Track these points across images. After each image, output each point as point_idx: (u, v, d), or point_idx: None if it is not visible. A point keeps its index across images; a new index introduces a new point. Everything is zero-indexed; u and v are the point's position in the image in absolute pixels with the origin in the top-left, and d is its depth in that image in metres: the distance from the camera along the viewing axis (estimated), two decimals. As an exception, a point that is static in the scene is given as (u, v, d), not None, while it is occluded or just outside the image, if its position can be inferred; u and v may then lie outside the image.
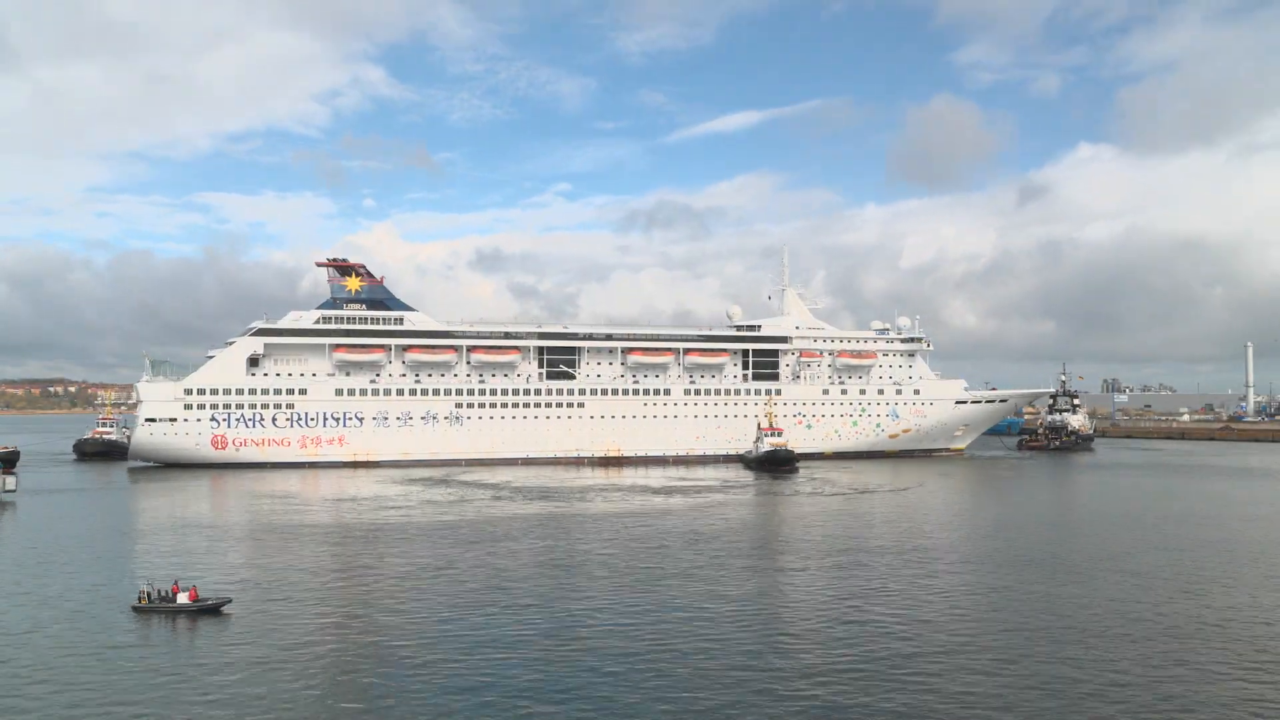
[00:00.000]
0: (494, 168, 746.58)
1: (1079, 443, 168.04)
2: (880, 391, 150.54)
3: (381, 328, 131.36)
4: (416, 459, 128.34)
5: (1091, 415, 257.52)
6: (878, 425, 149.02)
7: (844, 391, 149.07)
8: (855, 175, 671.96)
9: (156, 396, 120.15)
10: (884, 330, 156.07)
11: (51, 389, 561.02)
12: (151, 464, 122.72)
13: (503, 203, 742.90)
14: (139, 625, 39.29)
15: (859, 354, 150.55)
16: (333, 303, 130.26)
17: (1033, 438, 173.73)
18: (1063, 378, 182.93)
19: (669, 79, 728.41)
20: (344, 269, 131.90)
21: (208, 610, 40.88)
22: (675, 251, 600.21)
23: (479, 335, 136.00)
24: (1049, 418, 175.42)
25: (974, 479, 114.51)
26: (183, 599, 41.14)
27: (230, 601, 42.07)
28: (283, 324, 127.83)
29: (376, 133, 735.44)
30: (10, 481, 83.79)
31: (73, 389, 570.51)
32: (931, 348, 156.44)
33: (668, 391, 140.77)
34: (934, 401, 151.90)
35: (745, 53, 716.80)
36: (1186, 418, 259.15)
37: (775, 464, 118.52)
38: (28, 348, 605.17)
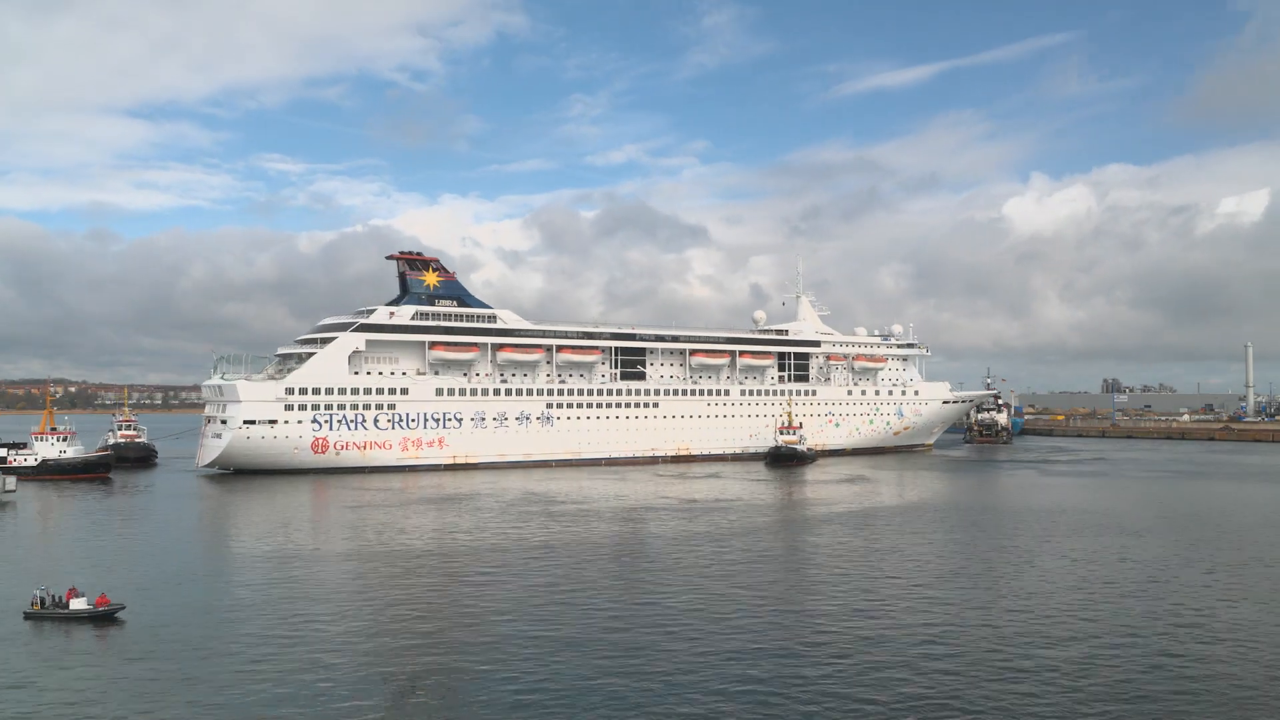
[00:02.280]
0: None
1: (999, 434, 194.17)
2: (890, 392, 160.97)
3: (477, 325, 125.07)
4: (511, 460, 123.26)
5: (1089, 416, 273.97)
6: (887, 423, 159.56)
7: (863, 392, 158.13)
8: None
9: (256, 396, 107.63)
10: (886, 337, 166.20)
11: (52, 389, 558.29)
12: (226, 470, 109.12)
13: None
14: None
15: (873, 358, 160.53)
16: (417, 298, 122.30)
17: (970, 432, 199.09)
18: (988, 380, 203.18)
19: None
20: (418, 263, 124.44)
21: (102, 617, 38.69)
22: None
23: (565, 335, 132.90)
24: (979, 416, 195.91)
25: (978, 469, 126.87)
26: (78, 604, 39.06)
27: (124, 608, 39.58)
28: (377, 319, 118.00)
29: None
30: (10, 481, 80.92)
31: (73, 389, 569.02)
32: (929, 353, 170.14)
33: (726, 392, 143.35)
34: (928, 401, 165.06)
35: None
36: (1186, 418, 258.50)
37: (780, 460, 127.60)
38: (21, 344, 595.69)
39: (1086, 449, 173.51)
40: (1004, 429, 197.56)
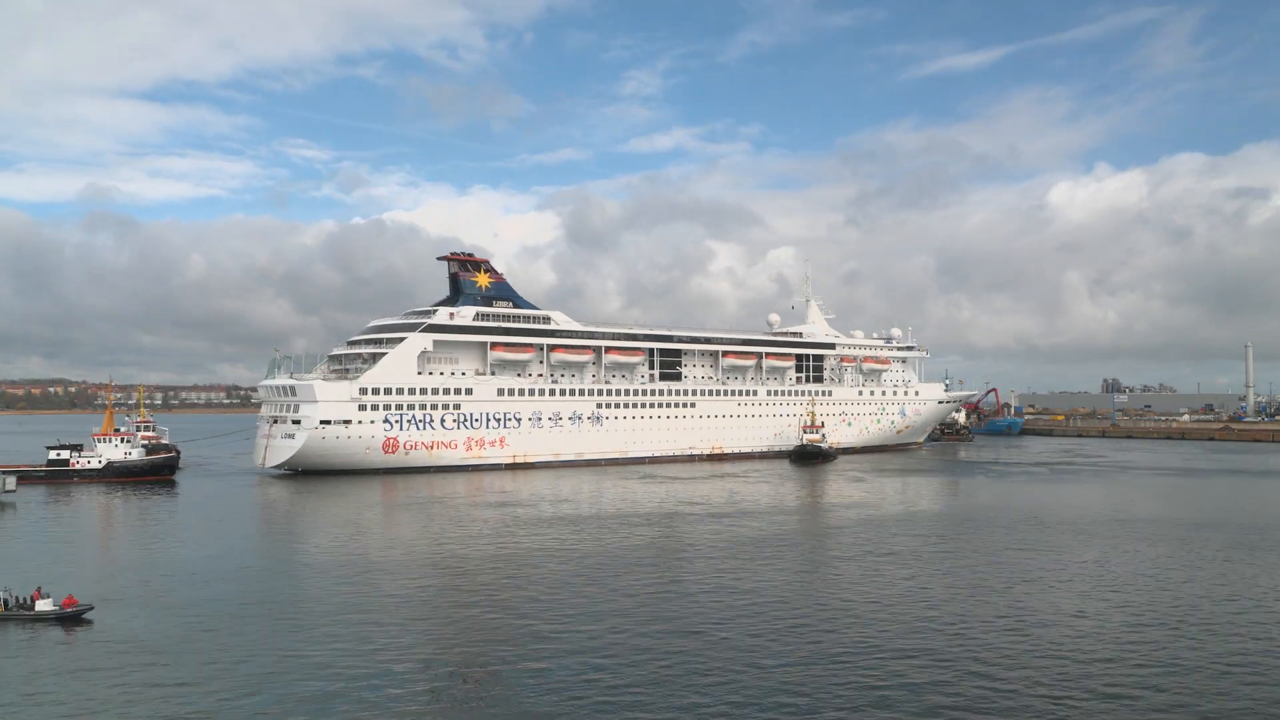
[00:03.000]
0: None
1: (960, 433, 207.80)
2: (894, 393, 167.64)
3: (534, 327, 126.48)
4: (565, 459, 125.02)
5: (1089, 416, 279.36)
6: (891, 422, 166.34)
7: (871, 393, 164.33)
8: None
9: (332, 396, 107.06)
10: (889, 340, 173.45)
11: (52, 389, 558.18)
12: (294, 471, 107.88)
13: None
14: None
15: (879, 360, 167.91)
16: (472, 299, 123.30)
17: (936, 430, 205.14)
18: (947, 381, 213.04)
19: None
20: (470, 264, 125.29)
21: (70, 618, 38.23)
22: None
23: (612, 336, 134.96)
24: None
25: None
26: (44, 605, 38.57)
27: (93, 609, 39.08)
28: (438, 319, 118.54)
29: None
30: (10, 482, 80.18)
31: (73, 389, 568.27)
32: (927, 355, 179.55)
33: (754, 393, 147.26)
34: (926, 401, 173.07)
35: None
36: (1186, 418, 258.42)
37: (806, 457, 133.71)
38: (18, 342, 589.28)
39: (1069, 447, 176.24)
40: (964, 428, 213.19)
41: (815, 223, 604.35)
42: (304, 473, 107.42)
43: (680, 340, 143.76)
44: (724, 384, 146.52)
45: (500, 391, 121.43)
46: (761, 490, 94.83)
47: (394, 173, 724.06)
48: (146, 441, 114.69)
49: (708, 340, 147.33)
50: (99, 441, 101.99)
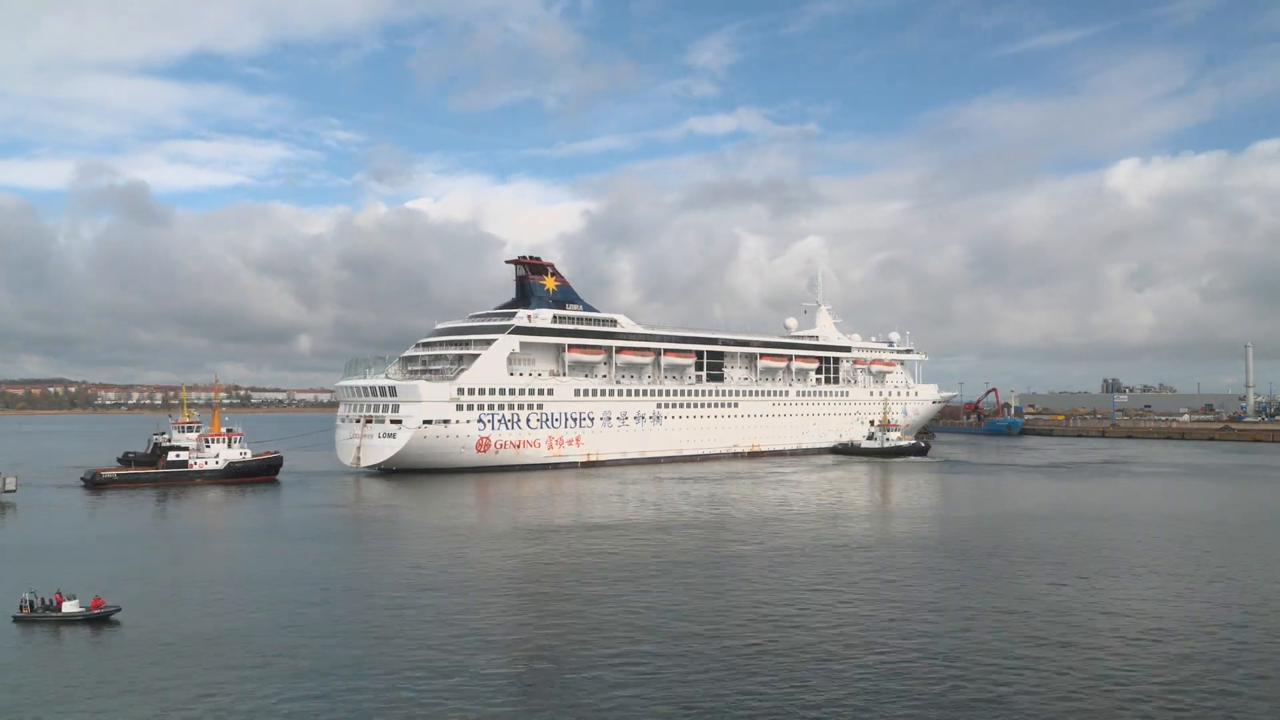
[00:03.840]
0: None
1: (926, 432, 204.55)
2: (897, 393, 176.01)
3: (604, 329, 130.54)
4: (630, 457, 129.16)
5: (1089, 416, 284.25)
6: (895, 421, 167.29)
7: (879, 394, 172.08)
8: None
9: (435, 396, 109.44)
10: (890, 343, 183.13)
11: (52, 389, 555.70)
12: (390, 469, 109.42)
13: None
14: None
15: (885, 362, 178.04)
16: (543, 302, 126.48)
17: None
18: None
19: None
20: (537, 267, 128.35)
21: (97, 619, 38.36)
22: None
23: (670, 339, 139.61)
24: None
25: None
26: (70, 608, 38.68)
27: (120, 610, 39.00)
28: (519, 321, 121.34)
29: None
30: (10, 482, 79.84)
31: (72, 389, 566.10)
32: (925, 357, 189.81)
33: (785, 393, 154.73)
34: (923, 401, 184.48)
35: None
36: (1186, 418, 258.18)
37: (902, 454, 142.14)
38: (13, 339, 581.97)
39: (1053, 447, 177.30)
40: (927, 429, 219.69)
41: (865, 211, 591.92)
42: (397, 472, 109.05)
43: (723, 343, 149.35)
44: (760, 385, 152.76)
45: (576, 392, 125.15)
46: (903, 489, 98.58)
47: (429, 158, 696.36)
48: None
49: (746, 343, 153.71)
50: (209, 443, 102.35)
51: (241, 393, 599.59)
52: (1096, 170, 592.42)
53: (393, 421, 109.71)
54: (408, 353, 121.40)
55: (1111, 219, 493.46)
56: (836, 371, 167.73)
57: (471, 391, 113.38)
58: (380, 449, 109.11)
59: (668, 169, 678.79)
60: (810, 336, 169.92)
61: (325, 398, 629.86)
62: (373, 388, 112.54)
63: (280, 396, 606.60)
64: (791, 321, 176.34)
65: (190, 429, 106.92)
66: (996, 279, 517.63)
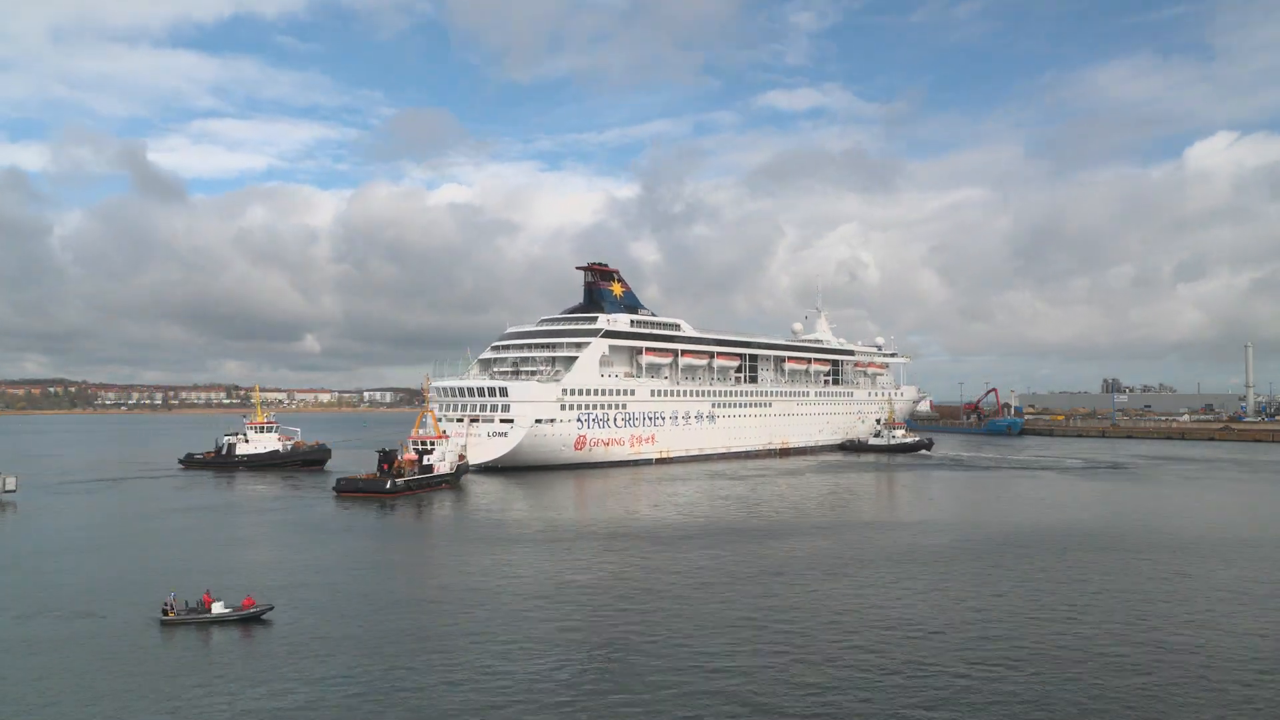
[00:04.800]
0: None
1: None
2: (886, 393, 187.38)
3: (672, 333, 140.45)
4: (691, 454, 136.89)
5: (1089, 416, 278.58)
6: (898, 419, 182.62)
7: (874, 394, 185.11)
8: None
9: (545, 397, 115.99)
10: (879, 347, 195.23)
11: (52, 389, 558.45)
12: (495, 467, 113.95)
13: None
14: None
15: (879, 365, 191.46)
16: (616, 307, 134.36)
17: None
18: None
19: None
20: (605, 274, 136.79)
21: (249, 619, 38.32)
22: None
23: (721, 343, 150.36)
24: None
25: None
26: (218, 609, 38.40)
27: (272, 609, 39.28)
28: (600, 325, 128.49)
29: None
30: (10, 482, 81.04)
31: (73, 389, 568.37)
32: (909, 360, 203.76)
33: (807, 394, 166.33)
34: (906, 401, 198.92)
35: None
36: (1186, 418, 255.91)
37: (907, 450, 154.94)
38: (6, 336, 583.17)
39: (1028, 446, 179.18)
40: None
41: (926, 201, 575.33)
42: (501, 469, 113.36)
43: (759, 347, 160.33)
44: (787, 386, 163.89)
45: (651, 393, 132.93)
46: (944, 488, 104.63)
47: (476, 135, 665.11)
48: (285, 441, 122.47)
49: (775, 347, 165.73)
50: (257, 432, 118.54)
51: (241, 393, 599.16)
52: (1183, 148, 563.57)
53: (503, 421, 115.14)
54: (484, 355, 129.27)
55: (1184, 201, 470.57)
56: (840, 374, 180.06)
57: (573, 392, 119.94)
58: (489, 447, 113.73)
59: (731, 145, 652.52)
60: (815, 341, 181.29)
61: (325, 397, 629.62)
62: (480, 388, 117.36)
63: (281, 396, 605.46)
64: (797, 326, 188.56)
65: (266, 429, 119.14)
66: (1037, 271, 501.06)
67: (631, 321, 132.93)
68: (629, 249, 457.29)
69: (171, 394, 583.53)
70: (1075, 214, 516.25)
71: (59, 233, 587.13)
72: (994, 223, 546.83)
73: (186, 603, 39.03)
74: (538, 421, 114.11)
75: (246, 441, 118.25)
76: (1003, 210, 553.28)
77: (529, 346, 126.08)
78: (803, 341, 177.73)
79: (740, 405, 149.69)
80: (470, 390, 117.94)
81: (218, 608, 38.50)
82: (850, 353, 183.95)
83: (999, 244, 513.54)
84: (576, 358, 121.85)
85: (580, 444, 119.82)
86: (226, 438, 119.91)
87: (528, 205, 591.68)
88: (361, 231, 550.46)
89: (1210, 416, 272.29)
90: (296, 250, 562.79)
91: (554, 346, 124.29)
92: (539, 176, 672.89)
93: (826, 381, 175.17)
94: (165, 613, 38.20)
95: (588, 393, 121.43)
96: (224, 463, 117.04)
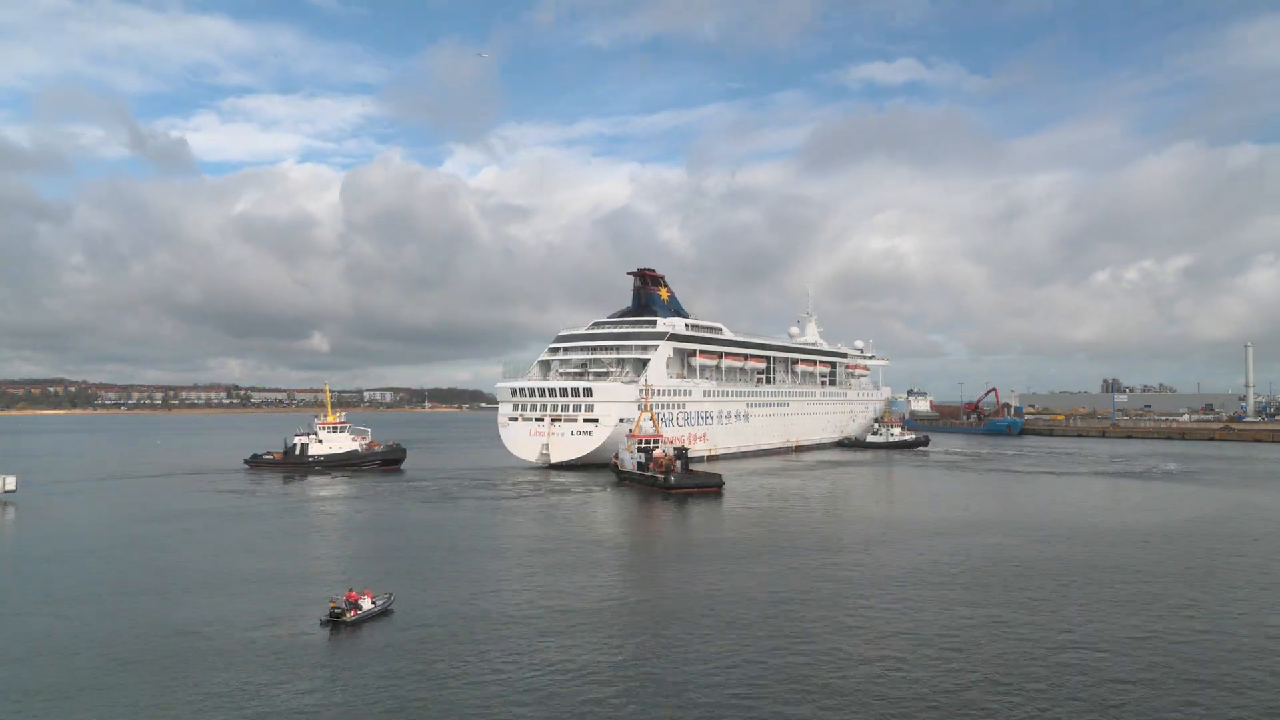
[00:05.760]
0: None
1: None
2: (867, 394, 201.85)
3: (717, 337, 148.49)
4: (732, 451, 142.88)
5: (1089, 416, 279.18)
6: (867, 418, 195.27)
7: (861, 395, 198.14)
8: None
9: (626, 398, 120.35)
10: (861, 350, 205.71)
11: (51, 389, 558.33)
12: (549, 465, 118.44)
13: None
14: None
15: (864, 367, 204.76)
16: (667, 312, 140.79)
17: None
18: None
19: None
20: (653, 279, 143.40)
21: (380, 613, 38.53)
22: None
23: (751, 345, 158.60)
24: None
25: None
26: (365, 604, 38.24)
27: (392, 598, 39.99)
28: (661, 328, 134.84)
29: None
30: (10, 482, 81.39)
31: (73, 389, 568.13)
32: (887, 362, 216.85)
33: (814, 394, 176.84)
34: (884, 401, 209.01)
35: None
36: (1186, 418, 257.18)
37: (907, 446, 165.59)
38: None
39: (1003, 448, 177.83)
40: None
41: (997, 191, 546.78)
42: (566, 466, 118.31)
43: (779, 349, 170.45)
44: (799, 387, 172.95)
45: (704, 393, 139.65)
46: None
47: (537, 111, 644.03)
48: (359, 443, 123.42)
49: (790, 350, 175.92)
50: (332, 431, 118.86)
51: (242, 393, 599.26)
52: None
53: (587, 420, 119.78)
54: (543, 357, 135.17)
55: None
56: (836, 375, 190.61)
57: (650, 393, 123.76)
58: (573, 446, 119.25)
59: (800, 121, 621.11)
60: (813, 344, 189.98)
61: (321, 397, 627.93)
62: (564, 389, 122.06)
63: (280, 396, 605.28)
64: (794, 329, 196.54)
65: (338, 430, 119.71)
66: (1079, 264, 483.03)
67: (686, 325, 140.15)
68: (659, 235, 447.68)
69: (171, 394, 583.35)
70: (1145, 185, 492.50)
71: (59, 221, 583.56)
72: (1047, 210, 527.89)
73: (343, 603, 37.93)
74: (621, 421, 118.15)
75: (320, 441, 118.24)
76: (1070, 195, 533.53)
77: (594, 348, 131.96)
78: (808, 344, 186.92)
79: (766, 404, 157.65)
80: (550, 390, 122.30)
81: (364, 604, 38.24)
82: (844, 355, 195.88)
83: (1048, 235, 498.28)
84: (647, 359, 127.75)
85: None
86: (297, 438, 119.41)
87: (560, 189, 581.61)
88: (366, 217, 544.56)
89: (1210, 417, 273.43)
90: (299, 239, 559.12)
91: (619, 349, 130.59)
92: (577, 159, 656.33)
93: (824, 382, 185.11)
94: (332, 614, 37.17)
95: (657, 393, 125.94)
96: (296, 463, 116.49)
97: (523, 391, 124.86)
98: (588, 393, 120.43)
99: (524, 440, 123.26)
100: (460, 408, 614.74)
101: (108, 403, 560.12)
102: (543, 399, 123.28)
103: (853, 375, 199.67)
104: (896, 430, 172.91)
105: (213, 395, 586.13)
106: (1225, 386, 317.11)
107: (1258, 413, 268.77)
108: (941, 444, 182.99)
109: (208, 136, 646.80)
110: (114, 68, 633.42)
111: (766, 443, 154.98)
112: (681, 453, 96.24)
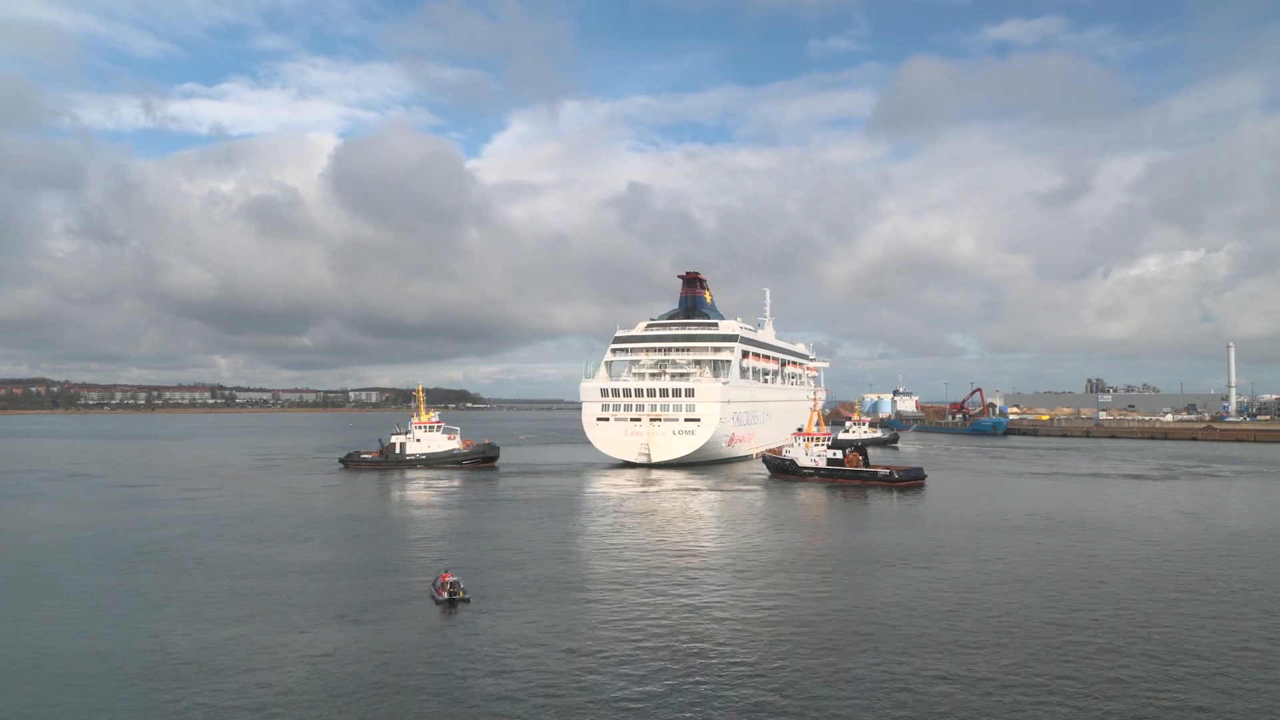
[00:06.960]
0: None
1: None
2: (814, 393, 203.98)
3: (766, 339, 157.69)
4: (765, 447, 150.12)
5: (1074, 416, 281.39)
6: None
7: (811, 394, 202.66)
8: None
9: (720, 398, 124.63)
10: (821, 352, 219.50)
11: (34, 389, 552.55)
12: (653, 463, 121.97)
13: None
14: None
15: (811, 367, 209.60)
16: (717, 315, 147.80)
17: None
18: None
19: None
20: (697, 281, 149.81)
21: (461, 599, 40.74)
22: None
23: (771, 347, 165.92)
24: None
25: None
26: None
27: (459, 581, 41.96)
28: (726, 330, 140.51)
29: None
30: None
31: (54, 389, 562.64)
32: (828, 364, 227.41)
33: (794, 394, 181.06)
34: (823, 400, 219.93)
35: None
36: (1170, 418, 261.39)
37: (877, 444, 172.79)
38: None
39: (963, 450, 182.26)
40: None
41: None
42: (667, 465, 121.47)
43: (783, 351, 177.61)
44: (788, 386, 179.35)
45: (754, 393, 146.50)
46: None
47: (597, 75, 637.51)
48: (455, 442, 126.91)
49: (788, 352, 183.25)
50: (427, 430, 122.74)
51: (226, 392, 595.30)
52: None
53: (688, 420, 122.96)
54: (608, 358, 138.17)
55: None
56: (798, 376, 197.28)
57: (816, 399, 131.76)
58: (676, 445, 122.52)
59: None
60: (782, 345, 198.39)
61: (310, 398, 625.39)
62: (664, 389, 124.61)
63: (266, 397, 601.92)
64: (762, 333, 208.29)
65: (433, 429, 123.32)
66: (1128, 250, 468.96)
67: (740, 328, 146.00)
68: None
69: (155, 394, 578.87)
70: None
71: (40, 205, 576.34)
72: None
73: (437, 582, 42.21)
74: (720, 420, 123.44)
75: (418, 441, 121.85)
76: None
77: (666, 350, 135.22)
78: (792, 346, 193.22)
79: (776, 402, 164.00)
80: (646, 391, 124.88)
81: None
82: (807, 357, 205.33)
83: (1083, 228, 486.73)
84: (725, 361, 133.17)
85: (730, 441, 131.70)
86: (395, 437, 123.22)
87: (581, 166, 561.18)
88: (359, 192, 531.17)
89: (1193, 416, 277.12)
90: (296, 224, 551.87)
91: (690, 349, 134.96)
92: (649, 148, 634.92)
93: (790, 383, 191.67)
94: (439, 591, 41.10)
95: (734, 396, 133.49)
96: (395, 462, 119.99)
97: (615, 392, 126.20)
98: (689, 393, 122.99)
99: (619, 439, 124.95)
100: (447, 408, 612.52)
101: (90, 403, 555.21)
102: (639, 399, 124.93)
103: (806, 376, 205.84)
104: (864, 429, 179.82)
105: (197, 395, 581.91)
106: (1209, 387, 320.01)
107: (1240, 413, 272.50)
108: (930, 443, 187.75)
109: (231, 107, 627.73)
110: (126, 28, 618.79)
111: (777, 439, 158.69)
112: (863, 449, 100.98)
